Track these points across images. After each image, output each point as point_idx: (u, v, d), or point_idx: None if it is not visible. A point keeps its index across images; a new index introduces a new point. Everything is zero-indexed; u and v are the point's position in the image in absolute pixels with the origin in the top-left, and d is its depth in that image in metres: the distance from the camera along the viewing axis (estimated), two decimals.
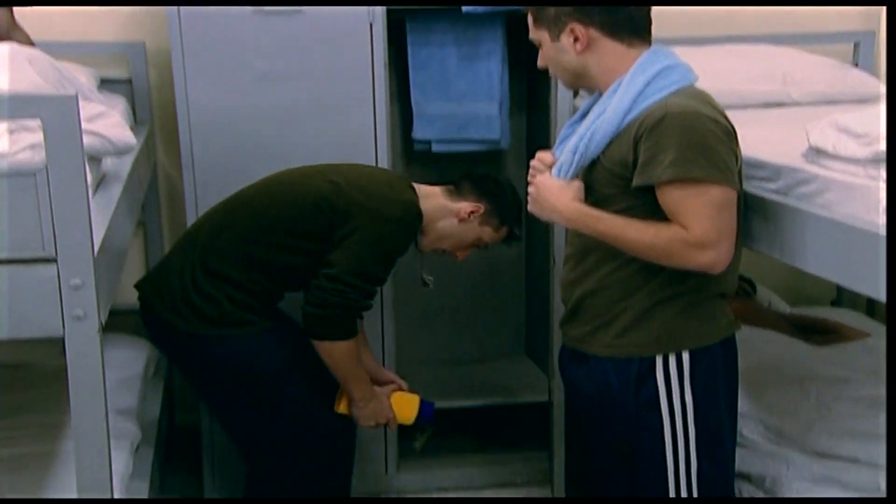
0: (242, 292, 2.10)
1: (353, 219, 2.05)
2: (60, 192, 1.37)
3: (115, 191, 1.86)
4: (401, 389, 2.35)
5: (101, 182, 1.88)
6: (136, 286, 2.23)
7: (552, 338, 2.48)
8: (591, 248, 1.76)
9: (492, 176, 2.33)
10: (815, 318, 2.82)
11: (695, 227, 1.59)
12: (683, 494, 1.75)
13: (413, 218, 2.14)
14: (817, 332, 2.67)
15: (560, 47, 1.72)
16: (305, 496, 2.22)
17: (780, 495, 1.95)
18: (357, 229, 2.04)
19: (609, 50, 1.69)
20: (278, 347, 2.15)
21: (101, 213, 1.66)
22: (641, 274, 1.70)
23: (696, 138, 1.58)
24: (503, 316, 3.30)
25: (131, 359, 2.71)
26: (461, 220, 2.23)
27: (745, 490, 2.00)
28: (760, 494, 1.99)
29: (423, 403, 2.31)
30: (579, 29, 1.68)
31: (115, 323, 2.95)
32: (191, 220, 2.62)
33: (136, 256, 3.00)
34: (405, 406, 2.29)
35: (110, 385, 1.51)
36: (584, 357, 1.80)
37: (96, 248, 1.42)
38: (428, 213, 2.19)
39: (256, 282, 2.11)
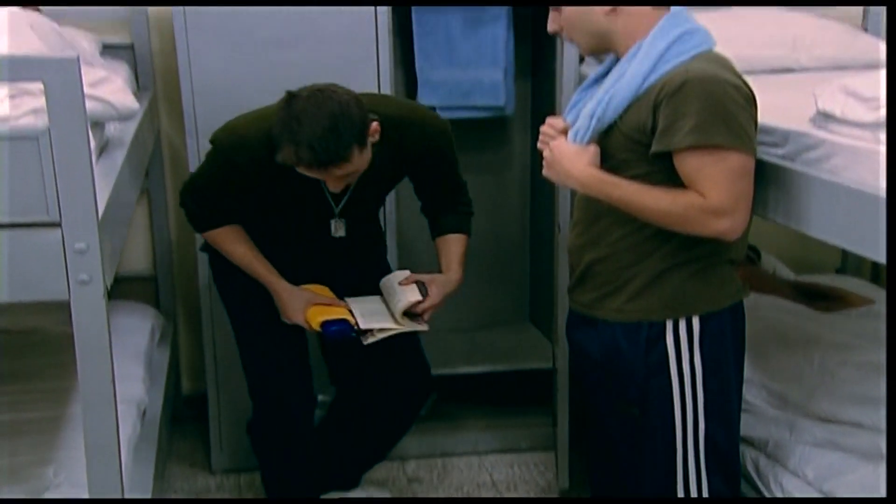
0: None
1: None
2: (63, 156, 1.36)
3: (119, 156, 1.86)
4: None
5: (104, 148, 1.88)
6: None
7: (557, 305, 2.48)
8: (602, 213, 1.75)
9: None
10: (820, 284, 2.82)
11: (712, 194, 1.58)
12: (691, 457, 1.76)
13: (225, 147, 2.05)
14: (821, 299, 2.67)
15: (586, 9, 1.69)
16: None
17: (782, 459, 1.96)
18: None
19: (636, 12, 1.66)
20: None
21: (105, 177, 1.66)
22: (653, 240, 1.70)
23: (716, 104, 1.57)
24: (507, 283, 3.30)
25: (137, 325, 2.73)
26: None
27: (747, 454, 2.01)
28: (762, 459, 2.00)
29: (339, 322, 2.09)
30: None
31: (121, 290, 2.99)
32: None
33: (141, 224, 3.01)
34: (318, 315, 2.10)
35: (116, 351, 1.52)
36: (592, 321, 1.80)
37: (100, 213, 1.43)
38: None
39: None
